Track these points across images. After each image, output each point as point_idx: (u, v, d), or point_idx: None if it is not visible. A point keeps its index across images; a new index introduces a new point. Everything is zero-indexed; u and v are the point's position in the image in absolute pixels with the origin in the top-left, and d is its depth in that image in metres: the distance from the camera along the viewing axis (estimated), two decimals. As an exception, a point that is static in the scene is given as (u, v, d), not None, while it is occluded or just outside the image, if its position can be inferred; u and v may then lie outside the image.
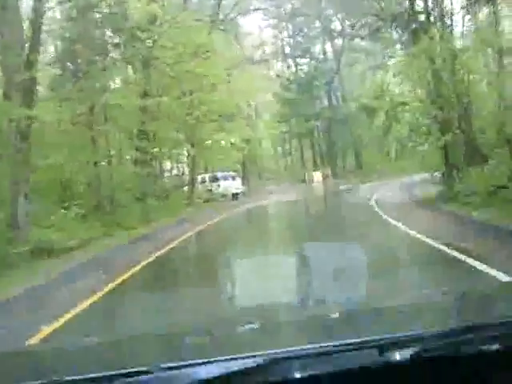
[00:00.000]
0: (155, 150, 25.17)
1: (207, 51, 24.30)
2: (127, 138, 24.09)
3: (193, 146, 29.43)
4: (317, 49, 58.19)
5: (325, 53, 57.45)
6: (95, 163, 19.72)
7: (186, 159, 34.53)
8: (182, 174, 40.64)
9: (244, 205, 28.85)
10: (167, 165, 37.52)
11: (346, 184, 45.60)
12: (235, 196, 37.93)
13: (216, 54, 25.85)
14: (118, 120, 21.75)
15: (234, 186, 38.40)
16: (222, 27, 36.46)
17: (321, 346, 1.46)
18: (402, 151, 73.30)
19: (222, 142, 28.82)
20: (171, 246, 14.02)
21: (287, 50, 59.16)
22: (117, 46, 23.13)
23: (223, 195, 36.53)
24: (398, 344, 1.45)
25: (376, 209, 19.16)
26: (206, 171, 39.51)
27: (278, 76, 58.58)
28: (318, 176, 54.73)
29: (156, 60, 23.29)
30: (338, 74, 56.04)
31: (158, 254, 12.57)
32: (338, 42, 56.40)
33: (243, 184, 42.26)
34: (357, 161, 61.93)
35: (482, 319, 1.72)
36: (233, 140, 30.43)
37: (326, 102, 57.97)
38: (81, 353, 1.95)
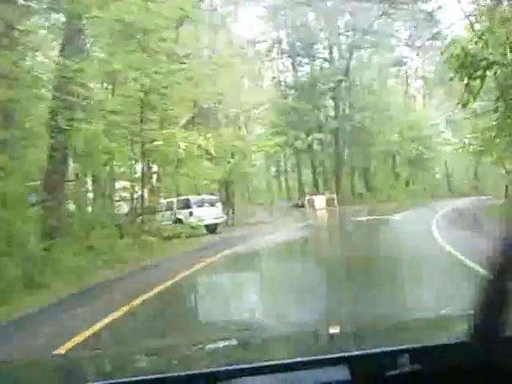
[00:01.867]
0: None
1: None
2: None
3: (144, 154, 19.16)
4: (321, 46, 48.11)
5: (331, 51, 47.50)
6: None
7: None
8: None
9: (223, 249, 18.08)
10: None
11: (362, 212, 35.46)
12: (213, 228, 27.74)
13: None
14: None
15: (213, 214, 27.98)
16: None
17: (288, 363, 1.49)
18: (412, 175, 63.74)
19: (182, 145, 18.19)
20: None
21: (285, 46, 49.10)
22: None
23: (195, 227, 26.19)
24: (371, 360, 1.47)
25: None
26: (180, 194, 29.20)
27: (274, 78, 48.67)
28: (320, 201, 44.53)
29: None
30: (348, 77, 46.07)
31: None
32: (347, 38, 46.55)
33: (227, 211, 32.02)
34: (366, 184, 51.77)
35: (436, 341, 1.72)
36: (201, 142, 19.70)
37: (331, 112, 47.96)
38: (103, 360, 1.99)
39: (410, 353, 1.47)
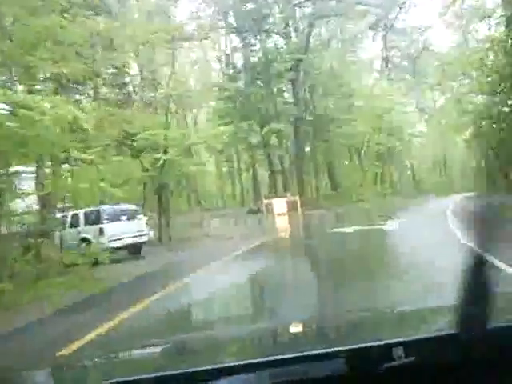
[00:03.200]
0: None
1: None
2: None
3: None
4: (275, 19, 39.88)
5: (287, 24, 39.50)
6: None
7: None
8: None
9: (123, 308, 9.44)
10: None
11: (333, 219, 27.87)
12: (136, 250, 19.84)
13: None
14: None
15: (133, 230, 19.81)
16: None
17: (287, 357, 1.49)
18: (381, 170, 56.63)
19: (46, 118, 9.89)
20: None
21: (232, 20, 40.74)
22: None
23: (108, 250, 17.94)
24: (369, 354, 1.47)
25: None
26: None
27: (220, 58, 40.70)
28: (280, 205, 36.76)
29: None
30: (307, 56, 38.32)
31: None
32: (305, 8, 38.82)
33: (160, 223, 24.19)
34: (332, 183, 44.24)
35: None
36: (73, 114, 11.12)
37: (290, 97, 40.13)
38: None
39: (405, 345, 1.47)
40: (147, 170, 21.69)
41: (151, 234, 21.40)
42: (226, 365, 1.53)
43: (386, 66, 53.06)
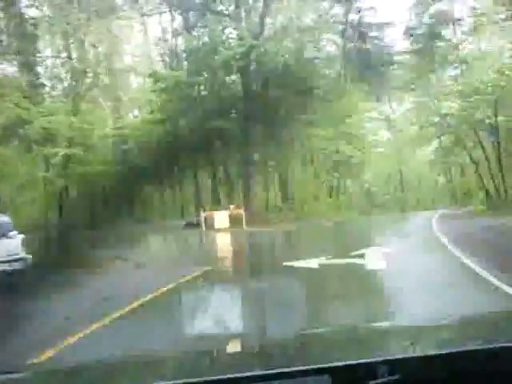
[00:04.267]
0: None
1: None
2: None
3: None
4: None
5: (238, 3, 33.29)
6: None
7: None
8: None
9: None
10: None
11: (285, 241, 22.24)
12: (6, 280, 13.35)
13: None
14: None
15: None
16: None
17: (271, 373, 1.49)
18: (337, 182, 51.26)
19: None
20: None
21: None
22: None
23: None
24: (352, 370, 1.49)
25: None
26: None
27: (158, 43, 34.35)
28: (221, 219, 30.65)
29: None
30: (261, 42, 32.31)
31: None
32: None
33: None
34: (283, 194, 38.42)
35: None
36: None
37: (239, 90, 34.03)
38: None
39: (389, 363, 1.48)
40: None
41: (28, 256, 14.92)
42: (213, 378, 1.50)
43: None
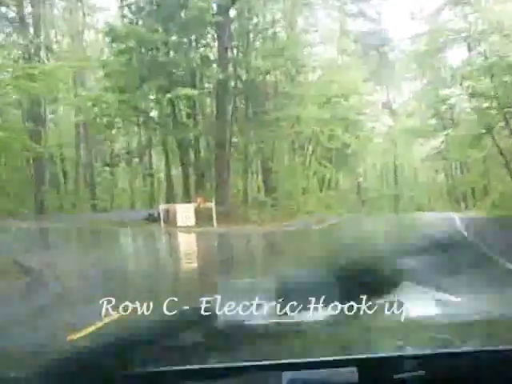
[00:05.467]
0: None
1: None
2: None
3: None
4: None
5: None
6: None
7: None
8: None
9: None
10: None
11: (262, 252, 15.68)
12: None
13: None
14: None
15: None
16: None
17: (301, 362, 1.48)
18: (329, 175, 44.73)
19: None
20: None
21: None
22: None
23: None
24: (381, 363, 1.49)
25: None
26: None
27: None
28: (185, 214, 24.08)
29: None
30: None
31: None
32: None
33: None
34: (266, 185, 31.89)
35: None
36: None
37: (213, 53, 27.28)
38: None
39: (417, 358, 1.49)
40: None
41: None
42: (233, 365, 1.46)
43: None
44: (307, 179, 37.12)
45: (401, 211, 46.73)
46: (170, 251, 16.77)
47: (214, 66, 26.28)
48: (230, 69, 26.41)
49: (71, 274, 11.49)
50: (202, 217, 24.15)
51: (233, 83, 26.58)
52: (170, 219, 24.56)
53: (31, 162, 34.66)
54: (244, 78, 27.26)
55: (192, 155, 28.03)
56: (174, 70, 25.01)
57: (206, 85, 27.24)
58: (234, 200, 27.77)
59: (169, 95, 23.32)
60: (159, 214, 25.13)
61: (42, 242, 17.62)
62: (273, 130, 28.73)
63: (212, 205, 24.01)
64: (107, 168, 40.66)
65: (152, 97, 25.24)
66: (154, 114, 26.76)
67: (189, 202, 25.30)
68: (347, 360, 1.48)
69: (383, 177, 56.03)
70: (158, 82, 24.40)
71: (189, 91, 23.35)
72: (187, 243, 19.55)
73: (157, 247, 18.43)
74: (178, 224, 23.79)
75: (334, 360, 1.48)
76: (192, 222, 24.05)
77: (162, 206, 24.70)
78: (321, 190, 39.96)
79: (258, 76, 27.16)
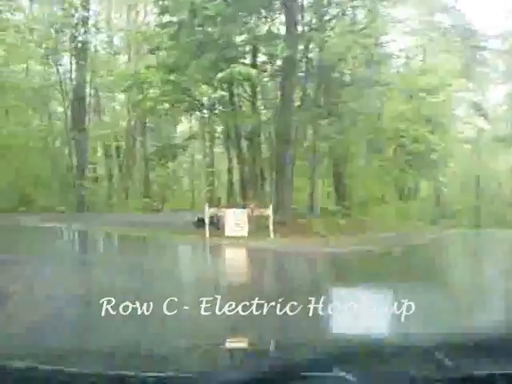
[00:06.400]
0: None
1: None
2: None
3: None
4: None
5: None
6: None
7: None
8: None
9: None
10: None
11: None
12: None
13: None
14: None
15: None
16: None
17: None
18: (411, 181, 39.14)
19: None
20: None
21: None
22: None
23: None
24: None
25: None
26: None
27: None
28: (237, 221, 19.29)
29: None
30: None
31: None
32: None
33: None
34: (337, 191, 26.83)
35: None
36: None
37: (280, 25, 22.46)
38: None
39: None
40: None
41: None
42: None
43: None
44: (384, 187, 31.79)
45: (485, 226, 40.83)
46: (207, 280, 10.99)
47: (279, 43, 21.39)
48: (300, 48, 21.48)
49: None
50: (255, 226, 19.40)
51: (302, 64, 21.64)
52: (218, 226, 19.97)
53: (73, 153, 31.26)
54: (315, 58, 22.29)
55: (248, 149, 23.31)
56: (230, 47, 20.31)
57: (269, 67, 22.50)
58: (297, 208, 22.85)
59: (221, 74, 18.63)
60: (213, 217, 20.44)
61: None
62: (349, 125, 23.66)
63: (269, 212, 19.18)
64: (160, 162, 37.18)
65: (201, 78, 20.57)
66: (205, 99, 22.13)
67: (241, 206, 20.55)
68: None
69: (465, 187, 49.78)
70: (210, 59, 19.79)
71: (245, 69, 18.62)
72: (234, 263, 14.57)
73: (192, 268, 13.51)
74: (227, 233, 19.13)
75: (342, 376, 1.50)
76: (245, 231, 19.28)
77: (207, 210, 20.03)
78: (400, 198, 34.54)
79: (334, 57, 22.09)
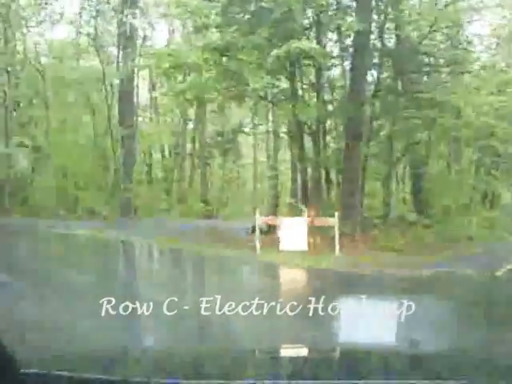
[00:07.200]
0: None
1: None
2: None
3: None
4: None
5: None
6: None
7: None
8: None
9: None
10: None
11: None
12: None
13: None
14: None
15: None
16: None
17: None
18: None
19: None
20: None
21: None
22: None
23: None
24: None
25: None
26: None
27: None
28: (295, 232, 15.74)
29: None
30: None
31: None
32: None
33: None
34: (416, 198, 22.85)
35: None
36: None
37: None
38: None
39: None
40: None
41: None
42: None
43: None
44: (467, 193, 27.45)
45: None
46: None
47: (350, 16, 17.65)
48: (371, 22, 17.69)
49: None
50: (315, 239, 15.80)
51: (377, 42, 17.87)
52: (271, 239, 16.50)
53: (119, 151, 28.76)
54: (392, 36, 18.51)
55: (311, 146, 19.72)
56: (288, 22, 16.72)
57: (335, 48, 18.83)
58: (368, 217, 19.06)
59: (276, 51, 15.13)
60: (254, 229, 16.98)
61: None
62: (433, 121, 19.70)
63: (334, 222, 15.53)
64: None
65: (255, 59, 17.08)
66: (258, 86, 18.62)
67: (300, 213, 16.96)
68: None
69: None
70: (264, 37, 16.30)
71: (306, 45, 15.06)
72: (289, 293, 10.92)
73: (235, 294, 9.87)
74: (282, 247, 15.63)
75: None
76: (304, 245, 15.74)
77: (259, 217, 16.58)
78: (483, 203, 30.09)
79: (414, 35, 18.23)
